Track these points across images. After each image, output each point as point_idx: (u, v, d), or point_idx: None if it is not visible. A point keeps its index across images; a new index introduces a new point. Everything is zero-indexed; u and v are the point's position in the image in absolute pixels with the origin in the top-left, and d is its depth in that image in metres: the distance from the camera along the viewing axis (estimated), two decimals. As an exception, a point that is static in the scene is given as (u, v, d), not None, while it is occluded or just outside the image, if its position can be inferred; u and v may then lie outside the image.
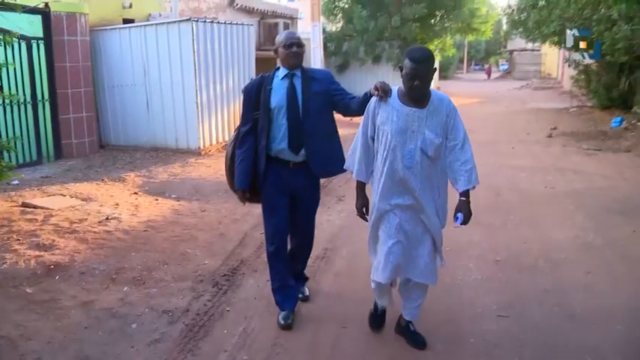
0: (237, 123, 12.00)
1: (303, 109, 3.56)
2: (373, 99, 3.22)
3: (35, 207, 6.20)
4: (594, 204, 6.67)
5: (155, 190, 7.52)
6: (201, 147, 10.21)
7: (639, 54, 11.07)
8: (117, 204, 6.54)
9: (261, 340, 3.60)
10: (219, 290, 4.34)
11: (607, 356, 3.36)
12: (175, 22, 10.08)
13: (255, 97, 3.64)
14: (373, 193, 3.29)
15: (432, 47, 23.28)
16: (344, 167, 3.49)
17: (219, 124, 10.80)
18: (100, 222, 5.73)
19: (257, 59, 12.08)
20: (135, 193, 7.32)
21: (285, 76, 3.62)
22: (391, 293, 3.55)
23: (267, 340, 3.58)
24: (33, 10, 7.89)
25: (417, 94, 3.06)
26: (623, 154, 10.26)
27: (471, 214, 3.20)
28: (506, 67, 54.82)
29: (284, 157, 3.64)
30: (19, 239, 5.11)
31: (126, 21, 11.15)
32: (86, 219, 5.79)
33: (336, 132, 3.78)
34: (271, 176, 3.67)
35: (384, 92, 3.14)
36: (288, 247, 3.96)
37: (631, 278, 4.49)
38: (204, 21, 10.10)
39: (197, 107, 10.01)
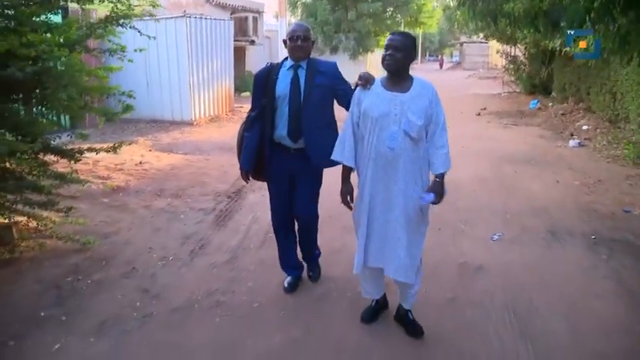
0: (221, 100, 14.29)
1: (304, 100, 3.66)
2: (358, 88, 3.33)
3: (80, 157, 8.23)
4: (495, 157, 9.09)
5: (164, 149, 9.65)
6: (193, 119, 12.44)
7: (547, 47, 13.51)
8: (142, 155, 8.68)
9: (265, 220, 5.68)
10: (232, 200, 6.57)
11: (474, 224, 5.70)
12: (172, 17, 12.20)
13: (263, 84, 3.77)
14: (360, 179, 3.38)
15: (384, 40, 25.50)
16: (331, 158, 3.44)
17: (207, 100, 13.05)
18: (136, 165, 7.89)
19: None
20: (150, 150, 9.44)
21: (291, 66, 3.71)
22: (382, 283, 3.74)
23: (269, 221, 5.71)
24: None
25: (390, 63, 3.14)
26: (533, 127, 12.77)
27: (443, 193, 3.28)
28: (458, 58, 57.34)
29: (285, 143, 3.78)
30: (82, 174, 7.19)
31: (124, 14, 13.14)
32: (125, 163, 7.93)
33: (335, 123, 3.85)
34: (276, 160, 3.84)
35: (366, 81, 3.27)
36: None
37: (500, 193, 6.92)
38: (196, 17, 12.28)
39: (189, 86, 12.23)
